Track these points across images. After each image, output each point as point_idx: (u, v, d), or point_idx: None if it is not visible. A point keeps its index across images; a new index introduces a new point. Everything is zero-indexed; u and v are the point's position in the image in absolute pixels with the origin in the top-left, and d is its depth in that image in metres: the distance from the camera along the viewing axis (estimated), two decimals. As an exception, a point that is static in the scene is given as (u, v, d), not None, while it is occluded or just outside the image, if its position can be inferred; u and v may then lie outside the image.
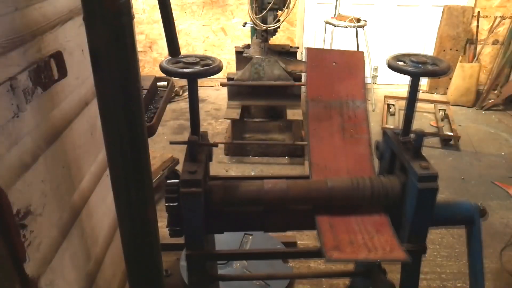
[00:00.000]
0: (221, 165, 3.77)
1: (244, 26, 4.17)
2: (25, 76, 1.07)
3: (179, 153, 3.16)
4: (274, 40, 4.21)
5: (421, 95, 5.39)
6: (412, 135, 1.41)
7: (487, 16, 5.09)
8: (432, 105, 4.86)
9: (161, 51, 5.47)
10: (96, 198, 1.57)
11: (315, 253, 1.59)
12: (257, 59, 3.73)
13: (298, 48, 4.36)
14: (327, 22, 4.87)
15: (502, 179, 3.59)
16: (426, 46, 5.43)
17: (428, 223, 1.37)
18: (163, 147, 3.86)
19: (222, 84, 4.13)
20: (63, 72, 1.29)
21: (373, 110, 4.89)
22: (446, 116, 4.58)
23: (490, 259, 2.71)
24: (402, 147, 1.43)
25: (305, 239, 2.83)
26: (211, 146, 1.49)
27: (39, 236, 1.13)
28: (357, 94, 1.60)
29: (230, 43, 5.42)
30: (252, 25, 3.91)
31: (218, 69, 1.37)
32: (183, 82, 5.20)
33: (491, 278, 2.58)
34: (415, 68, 1.40)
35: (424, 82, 5.43)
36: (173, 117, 4.69)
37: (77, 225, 1.40)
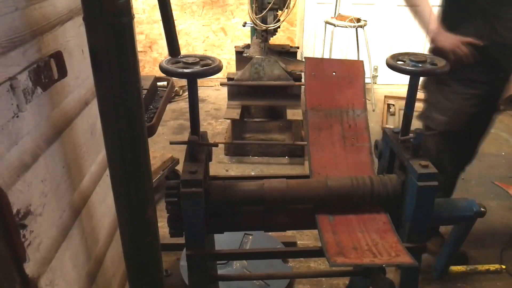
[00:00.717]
0: (221, 165, 3.77)
1: (244, 26, 4.18)
2: (25, 76, 1.07)
3: (179, 153, 3.16)
4: (274, 40, 4.21)
5: (421, 95, 5.38)
6: (411, 134, 1.41)
7: (487, 16, 5.09)
8: (432, 105, 4.85)
9: (161, 51, 5.47)
10: (96, 198, 1.57)
11: (315, 253, 1.59)
12: (257, 59, 3.73)
13: (298, 48, 4.36)
14: (327, 22, 4.87)
15: (502, 179, 3.59)
16: (426, 46, 5.42)
17: (428, 221, 1.37)
18: (163, 147, 3.86)
19: (222, 84, 4.13)
20: (63, 72, 1.29)
21: (373, 110, 4.89)
22: (446, 116, 4.58)
23: (490, 259, 2.71)
24: (402, 146, 1.43)
25: (305, 239, 2.83)
26: (211, 146, 1.49)
27: (39, 236, 1.13)
28: (357, 103, 1.61)
29: (230, 43, 5.42)
30: (252, 25, 3.91)
31: (218, 69, 1.37)
32: (183, 82, 5.20)
33: (491, 278, 2.58)
34: (414, 67, 1.40)
35: (424, 82, 5.43)
36: (173, 117, 4.69)
37: (77, 225, 1.40)
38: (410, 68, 1.40)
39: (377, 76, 5.56)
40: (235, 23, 5.32)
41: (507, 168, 3.80)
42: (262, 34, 3.81)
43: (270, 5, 3.62)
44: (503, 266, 2.61)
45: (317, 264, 2.64)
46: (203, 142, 1.46)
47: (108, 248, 1.71)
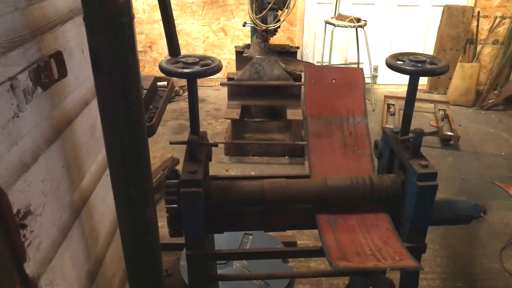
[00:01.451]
0: (221, 165, 3.77)
1: (244, 26, 4.18)
2: (25, 76, 1.07)
3: (179, 153, 3.16)
4: (274, 40, 4.21)
5: (421, 95, 5.39)
6: (411, 134, 1.41)
7: (487, 16, 5.09)
8: (432, 105, 4.86)
9: (161, 51, 5.47)
10: (96, 198, 1.57)
11: (315, 253, 1.59)
12: (257, 59, 3.74)
13: (298, 48, 4.36)
14: (327, 22, 4.87)
15: (502, 179, 3.59)
16: (426, 46, 5.43)
17: (428, 221, 1.37)
18: (163, 147, 3.86)
19: (222, 84, 4.13)
20: (63, 72, 1.29)
21: (373, 110, 4.89)
22: (446, 116, 4.58)
23: (490, 259, 2.71)
24: (401, 145, 1.43)
25: (305, 238, 2.83)
26: (211, 146, 1.49)
27: (39, 236, 1.13)
28: (358, 110, 1.61)
29: (230, 43, 5.42)
30: (252, 25, 3.91)
31: (218, 69, 1.38)
32: (183, 82, 5.20)
33: (491, 278, 2.58)
34: (413, 67, 1.40)
35: (424, 82, 5.43)
36: (173, 117, 4.69)
37: (77, 225, 1.40)
38: (409, 68, 1.40)
39: (377, 76, 5.56)
40: (235, 23, 5.32)
41: (507, 168, 3.80)
42: (262, 34, 3.81)
43: (270, 5, 3.62)
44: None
45: (317, 264, 2.65)
46: (203, 142, 1.46)
47: (108, 248, 1.71)
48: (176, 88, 5.04)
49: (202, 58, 1.41)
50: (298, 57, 4.61)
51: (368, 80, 5.21)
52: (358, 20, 4.66)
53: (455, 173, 3.68)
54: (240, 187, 1.41)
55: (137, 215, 1.23)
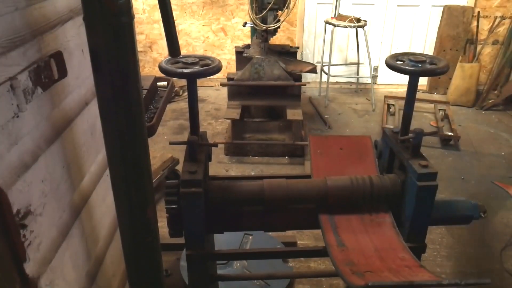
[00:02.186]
0: (221, 165, 3.77)
1: (244, 26, 4.18)
2: (25, 76, 1.07)
3: (179, 153, 3.16)
4: (274, 40, 4.21)
5: (421, 95, 5.39)
6: (411, 134, 1.41)
7: (487, 16, 5.10)
8: (432, 105, 4.86)
9: (161, 51, 5.47)
10: (96, 198, 1.57)
11: (315, 253, 1.59)
12: (257, 59, 3.74)
13: (298, 48, 4.36)
14: (327, 22, 4.87)
15: (502, 179, 3.59)
16: (426, 46, 5.43)
17: (428, 221, 1.37)
18: (163, 147, 3.86)
19: (222, 84, 4.13)
20: (63, 72, 1.29)
21: (373, 110, 4.90)
22: (446, 116, 4.58)
23: (490, 259, 2.71)
24: (401, 146, 1.43)
25: (305, 238, 2.83)
26: (211, 146, 1.49)
27: (39, 236, 1.13)
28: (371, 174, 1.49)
29: (230, 43, 5.42)
30: (252, 25, 3.91)
31: (217, 69, 1.38)
32: (183, 82, 5.20)
33: (491, 278, 2.57)
34: (413, 67, 1.40)
35: (424, 82, 5.43)
36: (173, 117, 4.69)
37: (77, 225, 1.40)
38: (409, 68, 1.40)
39: (377, 76, 5.57)
40: (235, 23, 5.32)
41: (507, 168, 3.80)
42: (262, 34, 3.81)
43: (270, 5, 3.62)
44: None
45: (317, 264, 2.65)
46: (202, 142, 1.46)
47: (108, 248, 1.71)
48: (176, 88, 5.04)
49: (202, 58, 1.41)
50: (298, 57, 4.61)
51: (368, 80, 5.21)
52: (358, 20, 4.66)
53: (455, 173, 3.68)
54: (240, 187, 1.41)
55: (137, 215, 1.23)
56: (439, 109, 4.70)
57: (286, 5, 3.66)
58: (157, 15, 5.09)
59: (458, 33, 5.12)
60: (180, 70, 1.34)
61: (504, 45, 5.07)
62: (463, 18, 5.05)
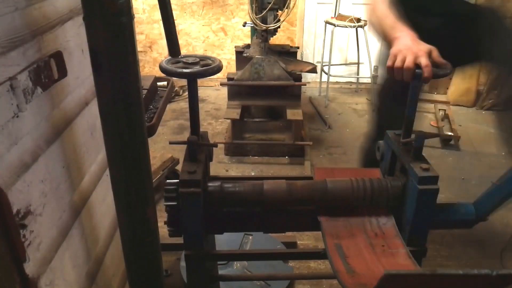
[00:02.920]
0: (221, 165, 3.77)
1: (244, 26, 4.17)
2: (25, 76, 1.07)
3: (179, 153, 3.16)
4: (274, 40, 4.21)
5: (421, 95, 5.37)
6: (413, 136, 1.40)
7: (487, 16, 5.09)
8: (432, 105, 4.86)
9: (161, 51, 5.47)
10: (96, 198, 1.57)
11: (315, 255, 1.59)
12: (257, 59, 3.73)
13: (298, 48, 4.36)
14: (327, 22, 4.87)
15: (502, 179, 3.58)
16: (426, 46, 5.42)
17: (429, 225, 1.37)
18: (163, 147, 3.86)
19: (222, 84, 4.13)
20: (63, 72, 1.29)
21: (373, 110, 4.89)
22: (446, 116, 4.58)
23: (490, 259, 2.71)
24: (403, 148, 1.42)
25: (305, 239, 2.83)
26: (210, 146, 1.49)
27: (39, 236, 1.13)
28: (380, 211, 1.44)
29: (230, 43, 5.42)
30: (252, 25, 3.91)
31: (218, 69, 1.37)
32: (183, 82, 5.19)
33: (491, 278, 2.57)
34: (417, 69, 1.39)
35: (424, 82, 5.43)
36: (173, 117, 4.69)
37: (77, 225, 1.40)
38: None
39: (377, 76, 5.56)
40: (235, 23, 5.32)
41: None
42: (262, 34, 3.81)
43: (270, 5, 3.62)
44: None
45: (317, 264, 2.64)
46: (202, 142, 1.45)
47: (108, 248, 1.71)
48: (176, 88, 5.04)
49: (202, 58, 1.41)
50: (298, 57, 4.61)
51: (368, 80, 5.21)
52: (358, 20, 4.66)
53: (455, 173, 3.68)
54: (239, 188, 1.41)
55: (137, 215, 1.23)
56: (439, 109, 4.70)
57: (286, 5, 3.66)
58: (157, 15, 5.09)
59: (458, 33, 5.12)
60: (180, 70, 1.34)
61: (504, 45, 5.07)
62: (463, 18, 5.05)
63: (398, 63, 1.36)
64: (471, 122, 4.73)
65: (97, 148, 1.59)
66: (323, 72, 5.13)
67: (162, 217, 1.37)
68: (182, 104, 4.99)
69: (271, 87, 3.76)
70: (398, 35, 1.48)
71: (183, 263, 2.41)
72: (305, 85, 3.93)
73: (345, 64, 5.50)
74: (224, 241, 2.44)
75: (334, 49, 4.94)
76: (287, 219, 1.49)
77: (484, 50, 1.85)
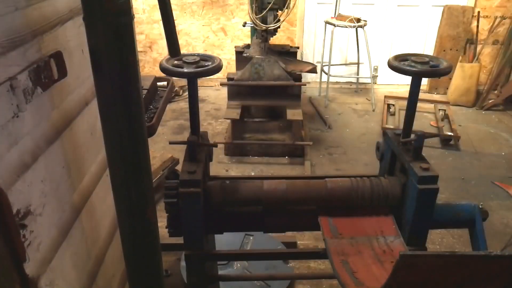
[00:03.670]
0: (221, 165, 3.77)
1: (244, 26, 4.17)
2: (25, 76, 1.07)
3: (179, 153, 3.16)
4: (274, 40, 4.21)
5: (421, 95, 5.36)
6: (413, 135, 1.40)
7: (487, 16, 5.09)
8: (432, 105, 4.86)
9: (161, 51, 5.46)
10: (96, 198, 1.57)
11: (315, 255, 1.59)
12: (257, 59, 3.73)
13: (298, 48, 4.36)
14: (327, 22, 4.87)
15: (502, 179, 3.58)
16: (426, 46, 5.43)
17: (428, 224, 1.37)
18: (163, 147, 3.86)
19: (222, 84, 4.13)
20: (63, 72, 1.29)
21: (373, 110, 4.89)
22: (446, 116, 4.58)
23: (490, 259, 2.71)
24: (403, 148, 1.42)
25: (305, 239, 2.83)
26: (210, 146, 1.49)
27: (39, 236, 1.13)
28: (387, 229, 1.40)
29: (230, 43, 5.42)
30: (252, 25, 3.91)
31: (218, 68, 1.37)
32: (183, 82, 5.19)
33: (491, 278, 2.57)
34: (417, 68, 1.39)
35: (424, 82, 5.42)
36: (173, 117, 4.69)
37: (77, 225, 1.40)
38: (413, 69, 1.39)
39: (377, 76, 5.56)
40: (235, 23, 5.32)
41: (507, 168, 3.80)
42: (262, 34, 3.81)
43: (270, 5, 3.62)
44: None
45: (317, 264, 2.64)
46: (202, 142, 1.45)
47: (108, 248, 1.70)
48: (176, 88, 5.04)
49: (203, 57, 1.41)
50: (298, 57, 4.61)
51: (368, 80, 5.21)
52: (358, 20, 4.66)
53: (455, 173, 3.68)
54: (240, 188, 1.41)
55: (137, 215, 1.23)
56: (439, 109, 4.70)
57: (286, 5, 3.66)
58: (157, 15, 5.09)
59: (458, 33, 5.12)
60: (180, 70, 1.34)
61: (504, 45, 5.07)
62: (463, 18, 5.05)
63: None
64: (471, 122, 4.73)
65: (97, 148, 1.59)
66: (323, 72, 5.13)
67: (162, 217, 1.37)
68: (182, 104, 4.99)
69: (271, 87, 3.76)
70: None
71: (183, 263, 2.41)
72: (305, 85, 3.93)
73: (345, 64, 5.50)
74: (225, 241, 2.44)
75: (334, 49, 4.94)
76: (287, 219, 1.49)
77: None
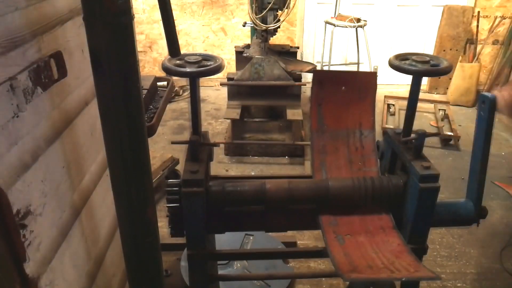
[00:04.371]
0: (221, 165, 3.77)
1: (244, 26, 4.18)
2: (25, 76, 1.07)
3: (179, 153, 3.16)
4: (274, 40, 4.21)
5: (421, 95, 5.36)
6: (413, 135, 1.40)
7: (487, 16, 5.09)
8: (432, 105, 4.86)
9: (161, 51, 5.47)
10: (96, 198, 1.57)
11: (315, 254, 1.59)
12: (257, 59, 3.73)
13: (298, 48, 4.36)
14: (327, 22, 4.87)
15: (502, 179, 3.59)
16: (426, 46, 5.43)
17: (429, 223, 1.37)
18: (163, 147, 3.86)
19: (222, 84, 4.13)
20: (63, 72, 1.29)
21: (373, 110, 4.89)
22: (446, 116, 4.58)
23: (490, 259, 2.71)
24: (403, 147, 1.42)
25: (305, 238, 2.83)
26: (212, 145, 1.49)
27: (39, 236, 1.13)
28: (365, 122, 1.51)
29: (230, 43, 5.42)
30: (252, 25, 3.91)
31: (220, 68, 1.37)
32: (183, 82, 5.20)
33: (491, 278, 2.58)
34: (417, 67, 1.39)
35: (424, 82, 5.43)
36: (173, 117, 4.69)
37: (77, 225, 1.40)
38: (414, 68, 1.40)
39: (377, 76, 5.56)
40: (235, 23, 5.32)
41: (507, 168, 3.80)
42: (262, 34, 3.81)
43: (270, 5, 3.62)
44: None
45: (317, 264, 2.64)
46: (204, 142, 1.45)
47: (108, 248, 1.71)
48: (176, 88, 5.04)
49: (205, 57, 1.41)
50: (298, 57, 4.61)
51: (368, 80, 5.20)
52: (358, 20, 4.66)
53: (455, 173, 3.68)
54: (241, 188, 1.41)
55: (137, 215, 1.23)
56: (439, 109, 4.70)
57: (286, 5, 3.66)
58: (157, 15, 5.09)
59: (458, 33, 5.12)
60: (183, 69, 1.34)
61: (504, 45, 5.07)
62: (463, 18, 5.05)
63: None
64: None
65: (97, 148, 1.59)
66: (323, 72, 5.13)
67: (162, 217, 1.37)
68: (182, 104, 5.00)
69: (271, 87, 3.76)
70: None
71: (183, 263, 2.41)
72: (305, 85, 3.93)
73: (345, 64, 5.50)
74: (225, 241, 2.44)
75: (334, 49, 4.94)
76: (289, 218, 1.49)
77: None
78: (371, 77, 1.54)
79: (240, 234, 2.62)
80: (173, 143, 1.43)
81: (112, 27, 0.99)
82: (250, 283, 2.32)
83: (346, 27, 4.67)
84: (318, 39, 5.41)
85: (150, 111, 2.22)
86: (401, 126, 1.49)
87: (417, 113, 1.46)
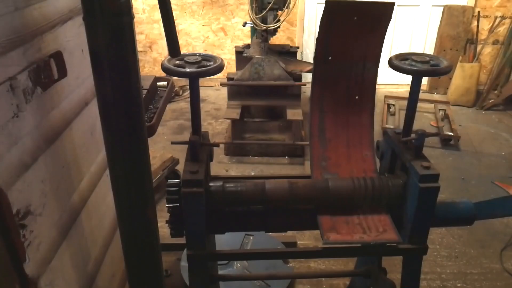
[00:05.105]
0: (221, 165, 3.77)
1: (244, 26, 4.18)
2: (25, 76, 1.07)
3: (179, 153, 3.16)
4: (274, 40, 4.21)
5: (421, 95, 5.37)
6: (413, 135, 1.40)
7: (487, 16, 5.09)
8: (432, 105, 4.86)
9: (161, 51, 5.46)
10: (96, 198, 1.57)
11: (315, 253, 1.59)
12: (257, 59, 3.73)
13: (298, 48, 4.36)
14: (327, 22, 4.86)
15: (502, 179, 3.59)
16: (426, 46, 5.43)
17: (429, 223, 1.37)
18: (163, 147, 3.86)
19: (222, 84, 4.13)
20: (63, 72, 1.29)
21: (373, 110, 4.89)
22: (446, 116, 4.58)
23: (490, 259, 2.71)
24: (403, 147, 1.42)
25: (305, 238, 2.83)
26: (212, 146, 1.49)
27: (39, 236, 1.13)
28: (371, 54, 1.47)
29: (230, 43, 5.42)
30: (252, 25, 3.91)
31: (220, 68, 1.37)
32: (183, 82, 5.20)
33: (491, 278, 2.58)
34: (417, 67, 1.39)
35: (424, 82, 5.43)
36: (173, 117, 4.69)
37: (77, 225, 1.40)
38: (414, 68, 1.40)
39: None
40: (235, 23, 5.32)
41: (507, 168, 3.80)
42: (262, 34, 3.81)
43: (270, 5, 3.62)
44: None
45: (317, 264, 2.64)
46: (204, 142, 1.45)
47: (108, 248, 1.70)
48: (176, 88, 5.04)
49: (205, 57, 1.41)
50: (298, 57, 4.61)
51: (368, 80, 5.20)
52: (358, 20, 4.65)
53: (455, 173, 3.68)
54: (241, 188, 1.41)
55: (137, 215, 1.23)
56: (439, 109, 4.70)
57: (286, 5, 3.66)
58: (157, 15, 5.09)
59: (458, 33, 5.12)
60: (183, 70, 1.34)
61: (504, 45, 5.07)
62: (463, 18, 5.05)
63: None
64: (471, 122, 4.73)
65: (97, 148, 1.59)
66: (323, 72, 5.12)
67: (162, 217, 1.37)
68: (182, 104, 5.00)
69: (271, 87, 3.76)
70: None
71: (183, 263, 2.41)
72: (305, 85, 3.93)
73: (345, 64, 5.49)
74: (225, 241, 2.44)
75: (334, 49, 4.94)
76: (289, 218, 1.49)
77: None
78: (387, 7, 1.42)
79: (240, 234, 2.62)
80: (173, 143, 1.43)
81: (112, 27, 0.99)
82: (250, 283, 2.32)
83: (346, 27, 4.66)
84: (318, 39, 5.41)
85: (150, 111, 2.22)
86: (401, 126, 1.49)
87: (417, 113, 1.46)
